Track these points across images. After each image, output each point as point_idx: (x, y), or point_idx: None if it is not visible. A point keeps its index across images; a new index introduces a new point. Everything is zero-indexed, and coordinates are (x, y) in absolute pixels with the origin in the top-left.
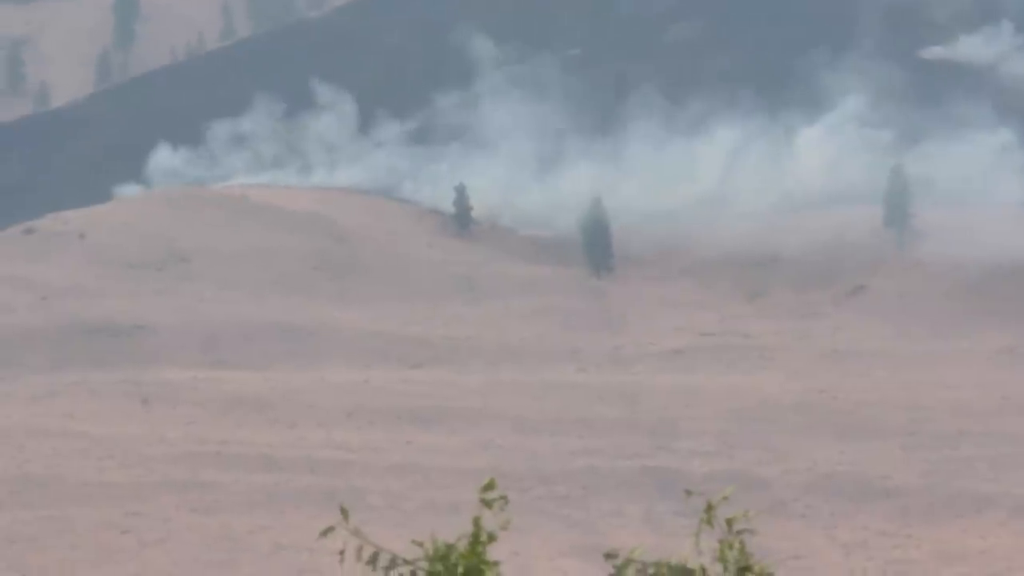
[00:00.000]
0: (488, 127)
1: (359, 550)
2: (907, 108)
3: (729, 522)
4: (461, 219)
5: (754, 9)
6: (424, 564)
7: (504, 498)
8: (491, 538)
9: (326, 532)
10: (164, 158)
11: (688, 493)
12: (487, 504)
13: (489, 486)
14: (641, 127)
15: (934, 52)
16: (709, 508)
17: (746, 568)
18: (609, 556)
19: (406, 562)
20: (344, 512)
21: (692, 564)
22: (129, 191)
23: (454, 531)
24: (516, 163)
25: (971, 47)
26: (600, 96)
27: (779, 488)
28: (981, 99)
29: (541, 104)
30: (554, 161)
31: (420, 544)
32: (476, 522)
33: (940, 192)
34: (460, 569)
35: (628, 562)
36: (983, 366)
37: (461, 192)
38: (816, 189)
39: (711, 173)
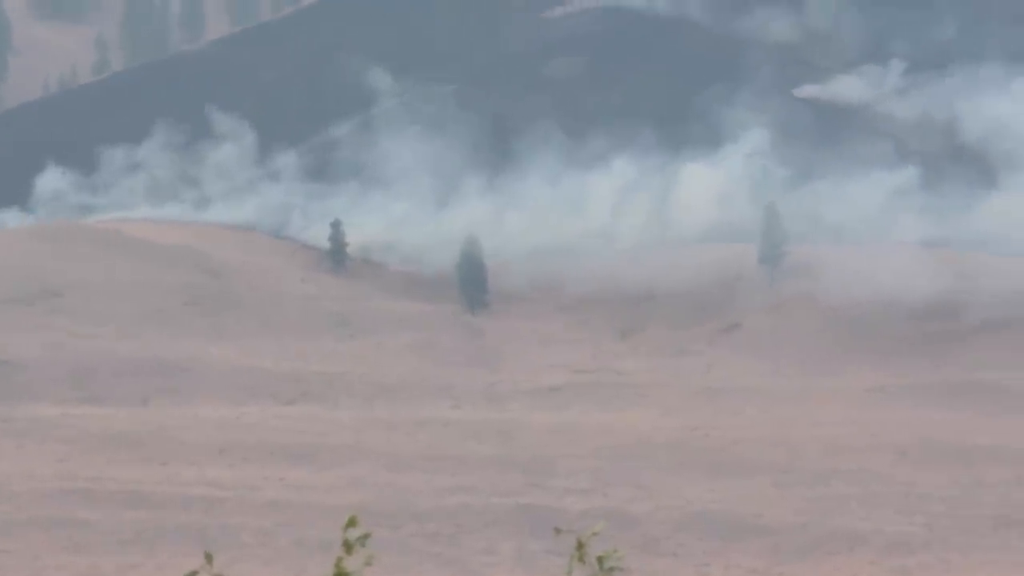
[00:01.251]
0: (384, 162)
1: None
2: (803, 146)
3: (600, 560)
4: (336, 255)
5: (634, 46)
6: None
7: (367, 535)
8: None
9: None
10: (49, 184)
11: (557, 531)
12: (348, 546)
13: (351, 523)
14: (537, 162)
15: (821, 90)
16: (580, 546)
17: None
18: None
19: None
20: (208, 557)
21: None
22: (11, 219)
23: (324, 569)
24: (411, 199)
25: (864, 86)
26: (496, 131)
27: (651, 525)
28: (879, 138)
29: (436, 139)
30: (448, 197)
31: None
32: (338, 564)
33: (833, 230)
34: None
35: None
36: (855, 404)
37: (336, 228)
38: (702, 226)
39: (601, 209)
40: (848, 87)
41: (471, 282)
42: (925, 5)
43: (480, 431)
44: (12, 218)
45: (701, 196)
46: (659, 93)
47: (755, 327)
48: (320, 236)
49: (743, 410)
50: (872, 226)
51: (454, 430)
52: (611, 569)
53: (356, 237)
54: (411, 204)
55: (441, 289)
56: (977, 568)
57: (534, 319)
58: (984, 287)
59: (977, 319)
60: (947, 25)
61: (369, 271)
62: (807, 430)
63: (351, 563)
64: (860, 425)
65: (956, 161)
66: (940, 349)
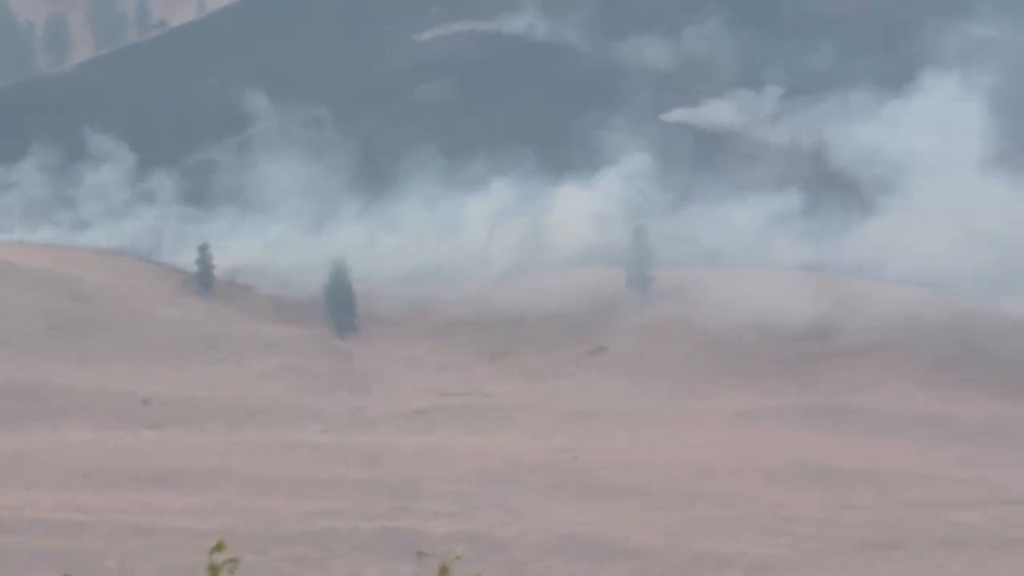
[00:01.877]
0: (260, 185)
1: None
2: (682, 170)
3: None
4: (203, 278)
5: (508, 70)
6: None
7: (235, 560)
8: None
9: None
10: None
11: (420, 555)
12: (214, 570)
13: (218, 547)
14: (413, 186)
15: (693, 115)
16: (443, 570)
17: None
18: None
19: None
20: None
21: None
22: None
23: None
24: (287, 222)
25: (740, 112)
26: (372, 154)
27: (519, 549)
28: (757, 163)
29: (313, 162)
30: (324, 220)
31: None
32: None
33: (710, 254)
34: None
35: None
36: (724, 427)
37: (203, 251)
38: (578, 249)
39: (476, 232)
40: (723, 113)
41: (339, 305)
42: (799, 33)
43: (348, 455)
44: None
45: (577, 219)
46: (536, 117)
47: (624, 350)
48: (191, 259)
49: (612, 433)
50: (750, 250)
51: (322, 454)
52: None
53: (228, 260)
54: (287, 227)
55: (310, 313)
56: None
57: (403, 343)
58: (854, 311)
59: (845, 342)
60: (821, 52)
61: (238, 294)
62: (675, 453)
63: None
64: (728, 448)
65: (832, 187)
66: (809, 372)
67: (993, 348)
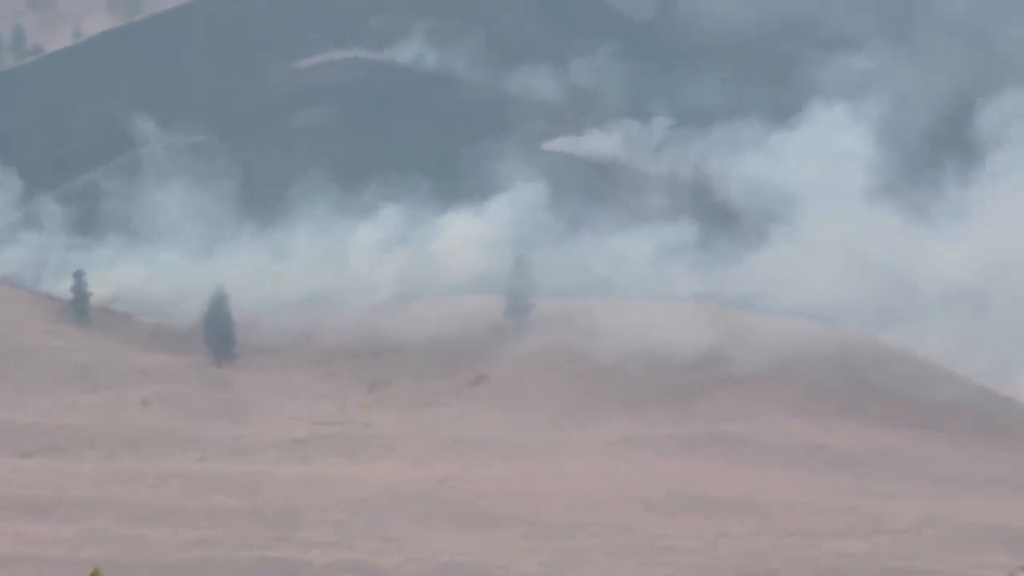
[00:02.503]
0: (147, 213)
1: None
2: (573, 200)
3: None
4: (79, 306)
5: (390, 98)
6: None
7: None
8: None
9: None
10: None
11: None
12: None
13: None
14: (300, 213)
15: (577, 145)
16: None
17: None
18: None
19: None
20: None
21: None
22: None
23: None
24: (173, 250)
25: (630, 143)
26: (258, 182)
27: None
28: (648, 194)
29: (200, 190)
30: (212, 248)
31: None
32: None
33: (602, 284)
34: None
35: None
36: (602, 456)
37: (79, 278)
38: (465, 277)
39: (362, 260)
40: (611, 144)
41: (218, 334)
42: (687, 65)
43: (226, 484)
44: None
45: (465, 247)
46: (424, 145)
47: (504, 379)
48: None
49: (491, 462)
50: (639, 281)
51: (199, 483)
52: None
53: (110, 288)
54: (173, 254)
55: (190, 341)
56: None
57: (283, 371)
58: (738, 342)
59: (727, 372)
60: (708, 85)
61: (116, 323)
62: (555, 482)
63: None
64: (608, 477)
65: (721, 218)
66: (690, 401)
67: (874, 378)
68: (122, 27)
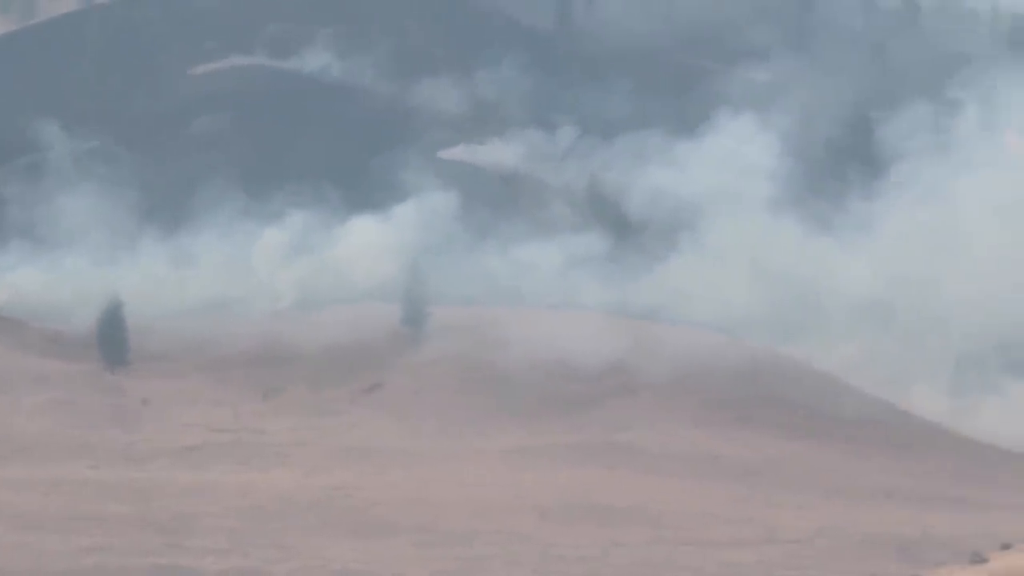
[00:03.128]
0: (50, 219)
1: None
2: (481, 210)
3: None
4: None
5: (288, 105)
6: None
7: None
8: None
9: None
10: None
11: None
12: None
13: None
14: (205, 220)
15: (484, 154)
16: None
17: None
18: None
19: None
20: None
21: None
22: None
23: None
24: (76, 256)
25: (538, 153)
26: (161, 188)
27: None
28: (556, 204)
29: (104, 196)
30: (118, 254)
31: None
32: None
33: (509, 293)
34: None
35: None
36: (497, 464)
37: None
38: (366, 285)
39: (265, 267)
40: (516, 154)
41: (112, 340)
42: (592, 76)
43: (118, 491)
44: None
45: (368, 255)
46: (328, 154)
47: (399, 387)
48: None
49: (386, 470)
50: (543, 291)
51: (91, 490)
52: None
53: (5, 294)
54: (75, 260)
55: (85, 348)
56: None
57: (177, 378)
58: (637, 351)
59: (624, 381)
60: (614, 95)
61: (9, 329)
62: (450, 490)
63: None
64: (502, 485)
65: (627, 229)
66: (585, 410)
67: (772, 389)
68: (16, 31)
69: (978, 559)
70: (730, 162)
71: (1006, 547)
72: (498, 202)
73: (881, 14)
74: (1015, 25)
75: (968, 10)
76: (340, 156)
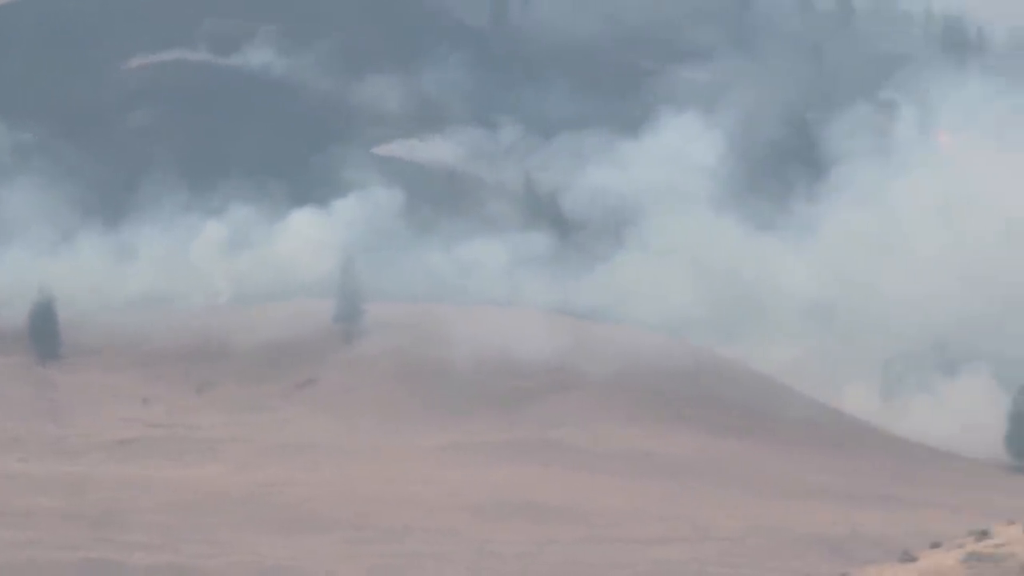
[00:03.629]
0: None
1: None
2: (423, 207)
3: None
4: None
5: (221, 98)
6: None
7: None
8: None
9: None
10: None
11: None
12: None
13: None
14: (143, 214)
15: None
16: None
17: None
18: None
19: None
20: None
21: None
22: None
23: None
24: (18, 249)
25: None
26: (98, 181)
27: None
28: (500, 203)
29: (40, 189)
30: (59, 247)
31: None
32: None
33: (445, 290)
34: None
35: None
36: (430, 461)
37: None
38: (303, 280)
39: (202, 263)
40: (460, 152)
41: (42, 333)
42: (536, 76)
43: (48, 484)
44: None
45: (308, 251)
46: (270, 149)
47: (333, 383)
48: None
49: (318, 466)
50: (487, 288)
51: (21, 483)
52: None
53: None
54: (15, 253)
55: (18, 341)
56: None
57: (110, 372)
58: (574, 350)
59: (559, 379)
60: (558, 95)
61: None
62: (382, 487)
63: None
64: (435, 482)
65: (571, 228)
66: (519, 407)
67: (707, 388)
68: None
69: (908, 558)
70: (672, 161)
71: (936, 546)
72: (440, 199)
73: (817, 15)
74: (948, 26)
75: (902, 12)
76: (281, 152)
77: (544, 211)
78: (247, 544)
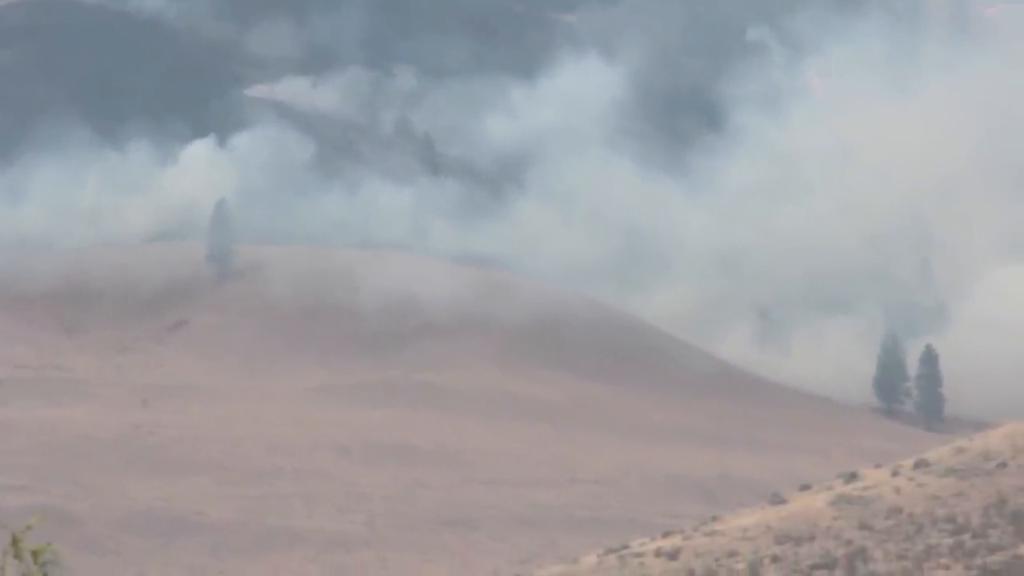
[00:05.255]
0: None
1: None
2: (316, 153)
3: (35, 554)
4: None
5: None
6: None
7: None
8: None
9: None
10: None
11: None
12: None
13: None
14: (34, 156)
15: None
16: (15, 541)
17: None
18: None
19: None
20: None
21: None
22: None
23: None
24: None
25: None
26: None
27: (92, 524)
28: (396, 149)
29: None
30: None
31: None
32: None
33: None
34: None
35: None
36: (299, 403)
37: None
38: (185, 221)
39: (69, 202)
40: (354, 97)
41: None
42: (432, 20)
43: None
44: None
45: (196, 193)
46: (161, 92)
47: (203, 325)
48: None
49: (188, 408)
50: (389, 234)
51: None
52: (45, 564)
53: None
54: None
55: None
56: (414, 565)
57: None
58: (443, 293)
59: (429, 323)
60: (454, 41)
61: None
62: (252, 428)
63: None
64: (305, 424)
65: (469, 174)
66: (388, 350)
67: (585, 334)
68: None
69: (778, 500)
70: (569, 105)
71: (805, 488)
72: (335, 144)
73: None
74: None
75: None
76: (175, 94)
77: (439, 158)
78: (117, 486)
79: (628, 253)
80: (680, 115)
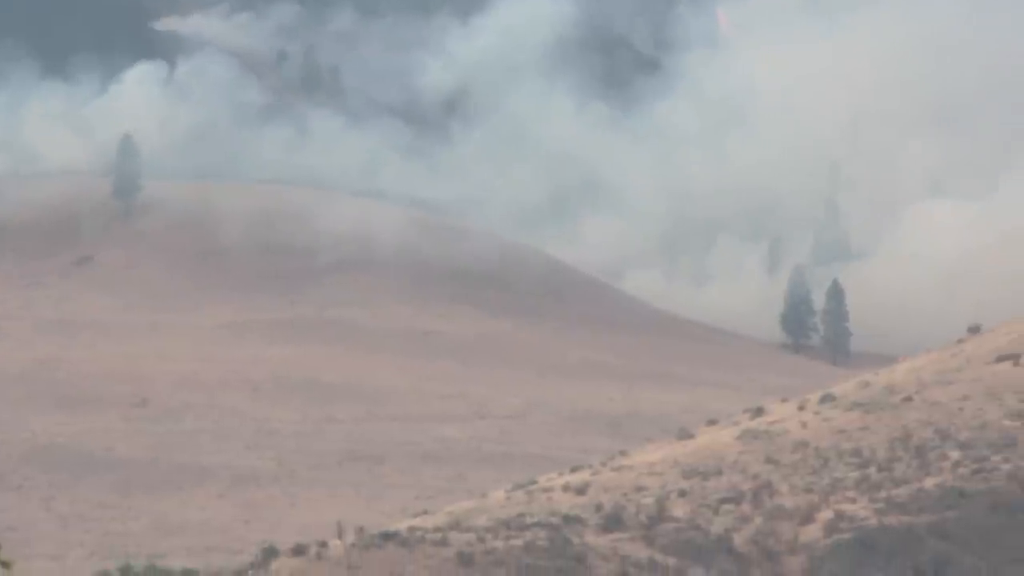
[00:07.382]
0: None
1: None
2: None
3: None
4: None
5: None
6: None
7: None
8: None
9: None
10: None
11: None
12: None
13: None
14: None
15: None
16: None
17: None
18: None
19: None
20: None
21: None
22: None
23: None
24: None
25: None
26: None
27: None
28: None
29: None
30: None
31: None
32: None
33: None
34: None
35: None
36: (208, 339)
37: None
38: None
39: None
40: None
41: None
42: None
43: None
44: None
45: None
46: (88, 22)
47: (110, 261)
48: None
49: (95, 344)
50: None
51: None
52: None
53: None
54: None
55: None
56: (322, 501)
57: None
58: (351, 227)
59: (337, 260)
60: None
61: None
62: (160, 365)
63: None
64: (213, 360)
65: (409, 113)
66: (296, 287)
67: (495, 272)
68: None
69: (685, 435)
70: (511, 40)
71: (712, 423)
72: (272, 81)
73: None
74: None
75: None
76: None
77: (380, 95)
78: (21, 421)
79: (562, 191)
80: (618, 53)
